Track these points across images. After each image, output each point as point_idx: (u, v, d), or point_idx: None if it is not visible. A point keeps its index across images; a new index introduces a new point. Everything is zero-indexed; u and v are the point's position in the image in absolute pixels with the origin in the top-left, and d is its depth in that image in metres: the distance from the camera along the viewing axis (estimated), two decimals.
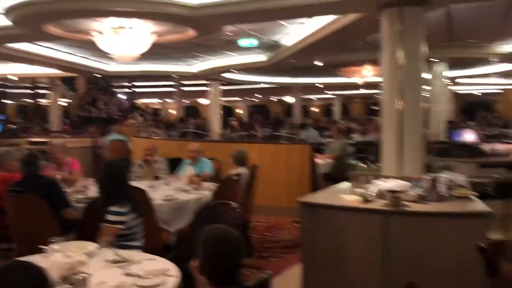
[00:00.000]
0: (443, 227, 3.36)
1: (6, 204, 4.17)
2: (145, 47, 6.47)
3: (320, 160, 7.75)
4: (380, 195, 3.74)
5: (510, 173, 6.19)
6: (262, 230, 6.36)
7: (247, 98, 27.75)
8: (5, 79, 17.60)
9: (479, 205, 3.60)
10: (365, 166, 4.89)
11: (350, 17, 5.81)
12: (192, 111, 30.93)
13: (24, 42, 8.46)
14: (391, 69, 4.64)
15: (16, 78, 15.74)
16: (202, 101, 26.78)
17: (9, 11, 5.70)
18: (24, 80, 18.21)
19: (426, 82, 5.17)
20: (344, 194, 4.03)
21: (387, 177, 4.21)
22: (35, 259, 2.70)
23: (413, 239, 3.42)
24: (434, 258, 3.28)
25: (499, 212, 5.14)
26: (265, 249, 5.54)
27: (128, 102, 19.02)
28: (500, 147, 6.96)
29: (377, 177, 4.24)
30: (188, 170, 5.92)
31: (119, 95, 19.98)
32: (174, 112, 24.33)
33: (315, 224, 3.74)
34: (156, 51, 8.21)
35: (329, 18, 6.45)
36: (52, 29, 6.43)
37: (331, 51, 8.74)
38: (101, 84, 19.28)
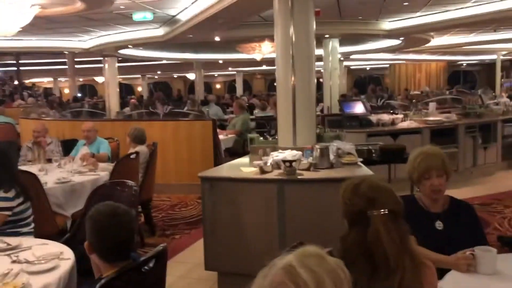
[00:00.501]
0: (332, 192, 3.59)
1: None
2: (25, 20, 5.93)
3: (222, 136, 7.83)
4: (276, 165, 3.90)
5: (393, 141, 6.79)
6: (166, 209, 6.32)
7: (148, 75, 26.94)
8: None
9: (364, 170, 3.91)
10: (263, 139, 5.05)
11: None
12: (89, 90, 29.36)
13: None
14: (283, 45, 4.78)
15: None
16: (99, 79, 25.50)
17: None
18: None
19: (317, 57, 5.43)
20: (243, 167, 4.13)
21: (283, 148, 4.39)
22: None
23: (306, 204, 3.63)
24: (325, 220, 3.52)
25: (383, 175, 5.66)
26: (169, 227, 5.53)
27: (9, 80, 17.45)
28: (385, 117, 7.55)
29: (274, 149, 4.41)
30: (83, 151, 5.66)
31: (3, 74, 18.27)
32: (67, 91, 22.90)
33: (215, 198, 3.81)
34: (43, 25, 7.63)
35: None
36: None
37: (229, 27, 8.77)
38: None
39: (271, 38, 10.87)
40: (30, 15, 5.92)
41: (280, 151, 4.27)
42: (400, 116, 7.79)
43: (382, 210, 1.70)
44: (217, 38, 10.26)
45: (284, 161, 3.68)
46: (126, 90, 26.02)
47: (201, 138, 7.23)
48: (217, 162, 7.03)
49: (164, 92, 23.50)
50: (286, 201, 3.62)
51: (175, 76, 29.32)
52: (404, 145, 5.57)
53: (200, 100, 14.09)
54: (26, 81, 22.09)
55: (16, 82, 19.03)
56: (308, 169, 3.82)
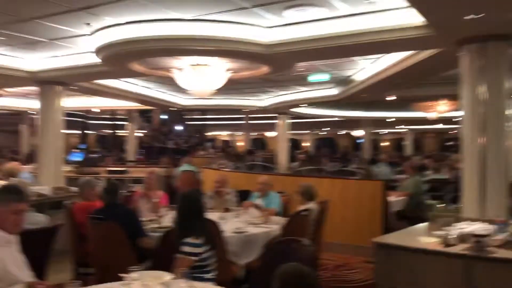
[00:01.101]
0: None
1: (87, 231, 4.39)
2: (220, 83, 6.71)
3: (392, 198, 7.46)
4: (462, 238, 3.52)
5: None
6: (331, 269, 6.17)
7: (315, 131, 27.66)
8: (87, 111, 19.02)
9: None
10: (443, 206, 4.65)
11: (426, 53, 5.69)
12: (259, 144, 31.30)
13: (110, 79, 9.11)
14: (472, 104, 4.46)
15: (98, 110, 16.92)
16: (269, 133, 27.10)
17: (99, 50, 6.18)
18: (104, 112, 19.58)
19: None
20: (421, 236, 3.83)
21: (468, 219, 3.97)
22: (114, 286, 2.82)
23: (498, 287, 3.17)
24: None
25: None
26: None
27: (198, 133, 19.70)
28: None
29: (457, 218, 4.02)
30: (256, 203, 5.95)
31: (180, 128, 20.66)
32: (241, 144, 24.81)
33: (390, 267, 3.59)
34: (229, 86, 8.49)
35: (404, 53, 6.35)
36: (136, 66, 6.87)
37: (405, 86, 8.56)
38: (173, 117, 20.23)
39: (449, 97, 10.34)
40: (225, 79, 6.69)
41: (465, 222, 3.86)
42: None
43: None
44: (391, 98, 10.08)
45: (474, 235, 3.30)
46: (293, 145, 27.07)
47: (370, 199, 7.00)
48: (386, 224, 6.70)
49: (330, 148, 23.77)
50: (474, 280, 3.22)
51: (342, 133, 29.50)
52: None
53: (368, 158, 13.83)
54: (208, 134, 24.71)
55: (200, 135, 21.39)
56: (502, 247, 3.35)
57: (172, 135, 18.18)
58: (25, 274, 2.83)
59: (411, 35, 4.68)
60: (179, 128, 19.82)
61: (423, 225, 4.37)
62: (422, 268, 3.48)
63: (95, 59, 6.62)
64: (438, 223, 3.96)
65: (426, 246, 3.56)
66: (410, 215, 7.69)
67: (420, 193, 7.88)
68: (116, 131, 20.79)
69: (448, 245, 3.48)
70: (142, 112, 18.01)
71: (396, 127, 23.10)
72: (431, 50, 5.56)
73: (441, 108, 11.29)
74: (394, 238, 4.08)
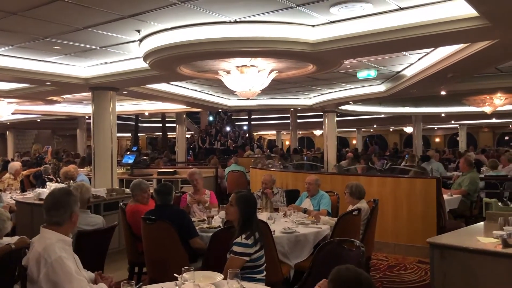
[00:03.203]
0: None
1: (139, 231, 4.51)
2: (266, 83, 6.73)
3: (446, 196, 7.20)
4: None
5: None
6: (384, 269, 6.04)
7: (363, 129, 27.17)
8: (139, 114, 19.58)
9: None
10: (503, 204, 4.43)
11: (481, 44, 5.43)
12: (306, 142, 31.12)
13: (159, 83, 9.34)
14: None
15: (147, 114, 17.41)
16: (317, 132, 26.92)
17: (146, 56, 6.35)
18: (154, 115, 20.10)
19: None
20: (480, 236, 3.67)
21: None
22: (167, 286, 2.88)
23: None
24: None
25: None
26: None
27: (245, 134, 19.84)
28: None
29: None
30: (306, 202, 5.92)
31: (237, 128, 20.93)
32: (288, 143, 24.78)
33: (447, 268, 3.45)
34: (275, 86, 8.50)
35: (456, 46, 6.10)
36: (184, 70, 7.00)
37: (457, 80, 8.22)
38: (221, 118, 20.48)
39: (505, 90, 9.85)
40: (269, 79, 6.71)
41: None
42: None
43: None
44: (443, 92, 9.72)
45: None
46: (341, 143, 26.73)
47: (422, 197, 6.79)
48: (440, 224, 6.47)
49: (379, 145, 23.26)
50: None
51: (391, 129, 28.83)
52: None
53: (420, 155, 13.40)
54: (254, 134, 24.82)
55: (246, 135, 21.55)
56: None
57: (220, 136, 18.42)
58: (84, 274, 2.94)
59: (464, 27, 4.48)
60: (226, 129, 20.09)
61: (480, 225, 4.19)
62: (480, 270, 3.33)
63: (144, 65, 6.81)
64: (496, 222, 3.78)
65: (484, 246, 3.40)
66: (466, 214, 7.41)
67: (476, 191, 7.56)
68: (166, 133, 21.29)
69: (508, 245, 3.31)
70: (190, 114, 18.30)
71: (448, 122, 22.30)
72: (487, 41, 5.30)
73: (497, 102, 10.77)
74: (450, 238, 3.92)
